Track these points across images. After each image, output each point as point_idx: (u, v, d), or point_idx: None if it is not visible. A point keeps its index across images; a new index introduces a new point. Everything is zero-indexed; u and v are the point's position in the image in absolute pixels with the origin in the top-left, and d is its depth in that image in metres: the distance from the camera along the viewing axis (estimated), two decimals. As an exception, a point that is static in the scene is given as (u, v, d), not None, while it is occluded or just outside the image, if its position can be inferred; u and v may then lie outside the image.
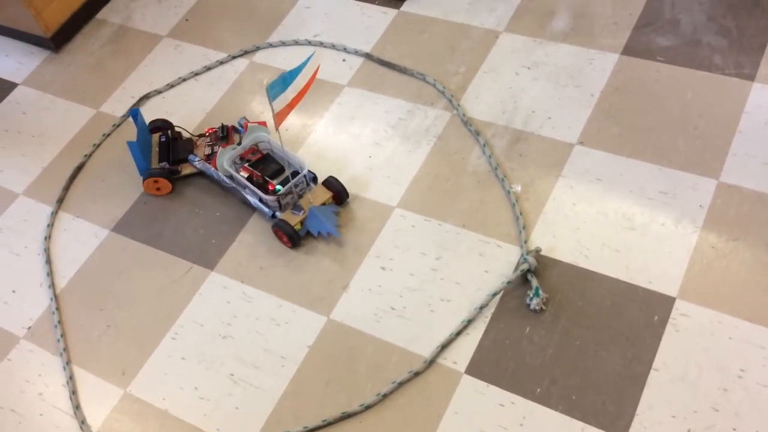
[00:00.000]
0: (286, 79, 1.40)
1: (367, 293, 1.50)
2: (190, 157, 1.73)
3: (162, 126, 1.80)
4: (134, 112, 1.72)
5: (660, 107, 1.67)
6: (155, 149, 1.76)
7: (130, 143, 1.67)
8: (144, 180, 1.70)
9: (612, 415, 1.29)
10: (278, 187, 1.58)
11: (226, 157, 1.64)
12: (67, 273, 1.65)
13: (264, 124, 1.76)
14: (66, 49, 2.13)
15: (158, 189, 1.72)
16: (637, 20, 1.83)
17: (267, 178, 1.60)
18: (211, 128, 1.78)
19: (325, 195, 1.60)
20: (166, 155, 1.73)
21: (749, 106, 1.63)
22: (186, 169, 1.74)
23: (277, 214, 1.60)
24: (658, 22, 1.82)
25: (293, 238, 1.57)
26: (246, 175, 1.61)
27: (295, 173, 1.59)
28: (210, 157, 1.72)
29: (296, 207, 1.59)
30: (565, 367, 1.35)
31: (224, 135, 1.75)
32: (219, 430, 1.39)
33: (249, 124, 1.72)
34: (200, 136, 1.78)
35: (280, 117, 1.43)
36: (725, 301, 1.38)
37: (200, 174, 1.74)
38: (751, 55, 1.71)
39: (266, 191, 1.59)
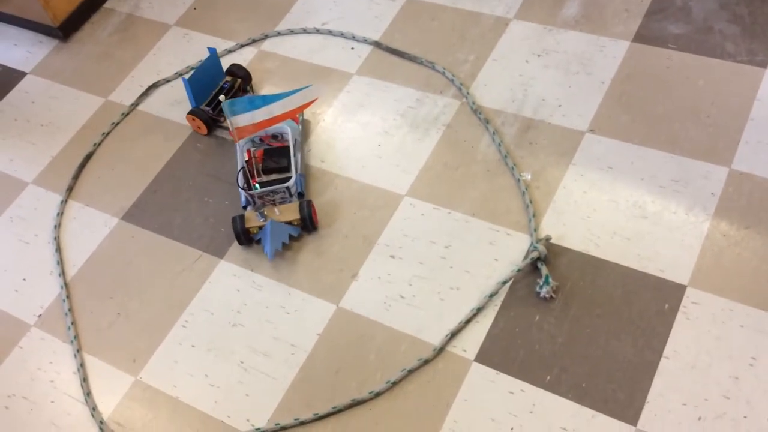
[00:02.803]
0: (254, 101, 1.42)
1: (377, 281, 1.50)
2: None
3: (236, 73, 1.84)
4: (212, 49, 1.79)
5: (671, 95, 1.65)
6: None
7: (184, 79, 1.74)
8: (187, 114, 1.79)
9: (622, 403, 1.29)
10: (257, 186, 1.56)
11: None
12: (77, 261, 1.66)
13: (296, 119, 1.73)
14: (74, 39, 2.12)
15: (196, 127, 1.81)
16: (649, 7, 1.82)
17: (256, 171, 1.57)
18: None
19: (294, 215, 1.56)
20: (216, 102, 1.79)
21: (761, 94, 1.62)
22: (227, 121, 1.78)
23: (249, 208, 1.59)
24: (669, 10, 1.81)
25: (239, 237, 1.56)
26: (246, 158, 1.61)
27: (288, 179, 1.57)
28: None
29: (261, 213, 1.56)
30: (575, 355, 1.35)
31: None
32: (229, 417, 1.39)
33: None
34: None
35: (240, 132, 1.44)
36: (736, 289, 1.37)
37: None
38: (764, 42, 1.70)
39: (247, 182, 1.57)
